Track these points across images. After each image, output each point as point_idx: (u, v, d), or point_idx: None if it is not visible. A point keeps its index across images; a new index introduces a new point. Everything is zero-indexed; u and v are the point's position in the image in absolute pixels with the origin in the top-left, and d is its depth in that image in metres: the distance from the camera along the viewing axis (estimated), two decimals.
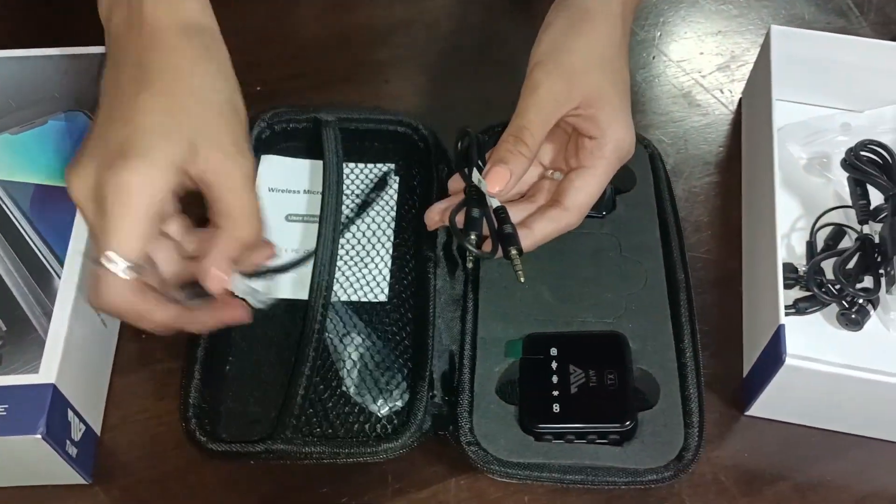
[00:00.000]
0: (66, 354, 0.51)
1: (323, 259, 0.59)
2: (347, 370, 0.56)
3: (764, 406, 0.55)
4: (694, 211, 0.67)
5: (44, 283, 0.53)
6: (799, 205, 0.66)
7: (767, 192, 0.59)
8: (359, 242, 0.63)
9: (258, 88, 0.72)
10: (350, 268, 0.62)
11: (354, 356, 0.57)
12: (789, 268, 0.60)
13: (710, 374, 0.58)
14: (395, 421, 0.55)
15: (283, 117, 0.66)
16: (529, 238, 0.55)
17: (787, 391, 0.53)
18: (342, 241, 0.62)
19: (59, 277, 0.53)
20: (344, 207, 0.64)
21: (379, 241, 0.63)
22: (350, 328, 0.58)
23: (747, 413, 0.57)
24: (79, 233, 0.55)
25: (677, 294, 0.58)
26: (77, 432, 0.52)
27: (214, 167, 0.47)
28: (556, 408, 0.52)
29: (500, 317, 0.58)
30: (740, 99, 0.74)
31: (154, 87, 0.48)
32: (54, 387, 0.49)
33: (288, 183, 0.66)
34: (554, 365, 0.54)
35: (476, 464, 0.52)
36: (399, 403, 0.55)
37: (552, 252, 0.60)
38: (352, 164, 0.67)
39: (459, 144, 0.60)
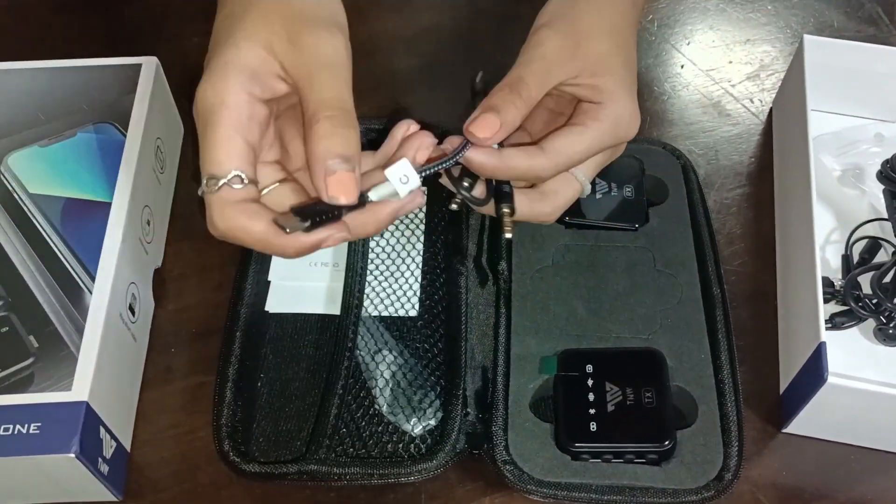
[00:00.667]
0: (98, 371, 0.50)
1: (353, 272, 0.59)
2: (380, 388, 0.56)
3: (802, 423, 0.54)
4: (726, 223, 0.66)
5: (75, 299, 0.53)
6: (833, 217, 0.65)
7: (803, 204, 0.58)
8: (388, 256, 0.62)
9: None
10: (380, 282, 0.61)
11: (387, 374, 0.56)
12: (826, 282, 0.59)
13: (745, 390, 0.57)
14: (429, 440, 0.54)
15: None
16: (496, 158, 0.47)
17: (828, 409, 0.52)
18: (371, 254, 0.62)
19: (91, 293, 0.53)
20: None
21: (409, 254, 0.62)
22: (381, 344, 0.58)
23: (785, 430, 0.56)
24: (109, 247, 0.54)
25: (713, 309, 0.57)
26: (108, 449, 0.51)
27: (301, 48, 0.44)
28: (593, 426, 0.52)
29: (533, 332, 0.57)
30: (770, 109, 0.73)
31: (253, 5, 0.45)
32: (87, 404, 0.49)
33: None
34: (590, 382, 0.54)
35: (511, 483, 0.51)
36: (432, 422, 0.54)
37: (585, 265, 0.60)
38: None
39: (474, 85, 0.54)
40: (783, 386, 0.57)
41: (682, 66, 0.76)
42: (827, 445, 0.55)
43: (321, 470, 0.51)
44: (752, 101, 0.74)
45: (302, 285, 0.61)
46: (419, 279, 0.61)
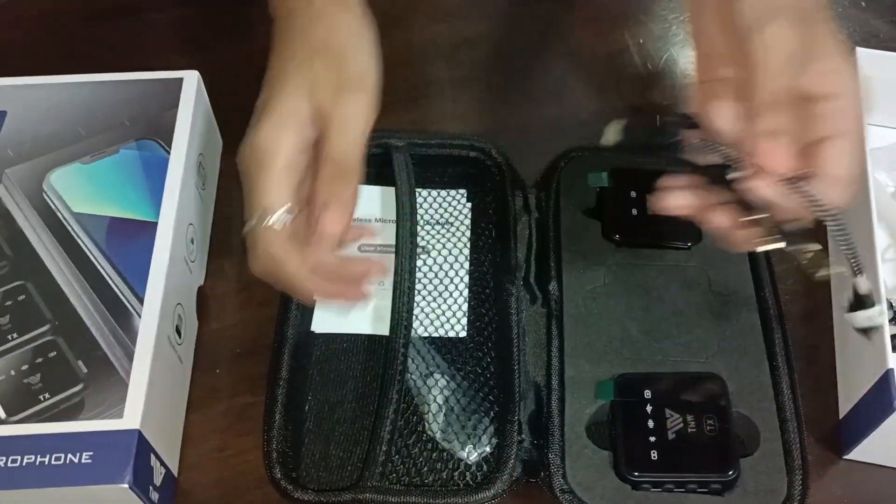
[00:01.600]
0: (148, 397, 0.49)
1: (401, 291, 0.58)
2: (433, 413, 0.55)
3: (865, 450, 0.53)
4: None
5: (123, 322, 0.52)
6: (887, 234, 0.64)
7: (861, 222, 0.57)
8: (435, 276, 0.61)
9: None
10: (428, 302, 0.60)
11: (439, 399, 0.55)
12: (886, 304, 0.58)
13: (803, 414, 0.56)
14: (484, 468, 0.53)
15: None
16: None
17: (894, 437, 0.51)
18: (417, 273, 0.61)
19: (139, 315, 0.52)
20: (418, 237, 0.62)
21: (456, 272, 0.61)
22: (432, 367, 0.57)
23: (846, 456, 0.54)
24: (157, 268, 0.53)
25: (772, 332, 0.56)
26: (158, 476, 0.50)
27: (339, 109, 0.49)
28: (654, 455, 0.51)
29: (586, 354, 0.56)
30: None
31: (305, 51, 0.51)
32: (139, 432, 0.48)
33: (358, 212, 0.63)
34: (649, 408, 0.52)
35: None
36: (487, 449, 0.53)
37: (638, 286, 0.59)
38: (422, 191, 0.65)
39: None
40: (843, 411, 0.55)
41: None
42: (891, 472, 0.54)
43: (376, 498, 0.50)
44: None
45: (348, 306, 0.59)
46: (467, 298, 0.60)
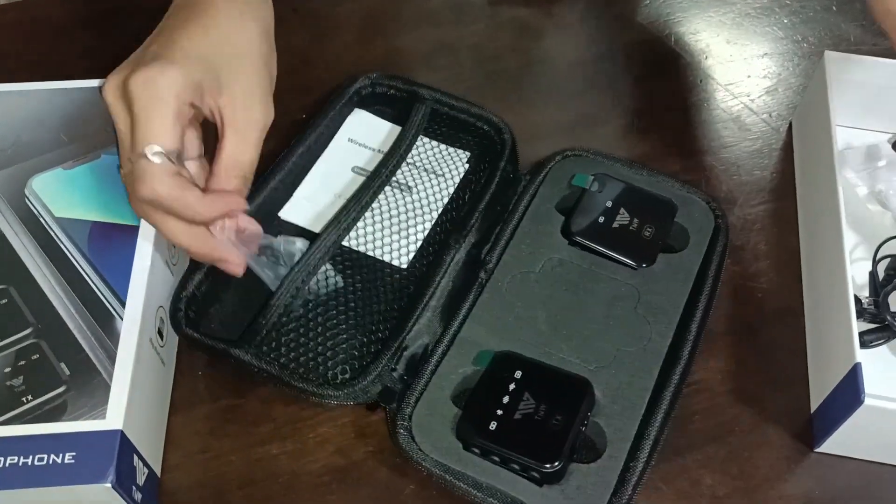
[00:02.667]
0: (131, 398, 0.50)
1: (351, 204, 0.62)
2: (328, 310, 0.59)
3: (836, 443, 0.54)
4: (751, 239, 0.66)
5: (105, 325, 0.52)
6: (856, 234, 0.65)
7: (831, 221, 0.58)
8: (406, 211, 0.64)
9: (304, 116, 0.72)
10: (385, 227, 0.63)
11: (341, 302, 0.59)
12: (854, 299, 0.59)
13: (775, 409, 0.58)
14: (348, 373, 0.56)
15: (386, 82, 0.70)
16: None
17: (863, 430, 0.52)
18: (391, 201, 0.64)
19: (121, 318, 0.52)
20: (406, 174, 0.66)
21: (425, 215, 0.64)
22: (354, 275, 0.61)
23: (817, 449, 0.56)
24: (139, 271, 0.54)
25: (672, 366, 0.56)
26: (141, 477, 0.51)
27: (233, 103, 0.51)
28: (493, 425, 0.52)
29: (488, 324, 0.58)
30: (790, 123, 0.73)
31: (198, 24, 0.52)
32: (122, 433, 0.48)
33: (367, 139, 0.69)
34: (512, 386, 0.54)
35: (398, 444, 0.53)
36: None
37: (569, 283, 0.60)
38: (426, 140, 0.68)
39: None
40: (814, 405, 0.57)
41: (700, 81, 0.76)
42: (860, 464, 0.55)
43: (244, 359, 0.55)
44: (770, 116, 0.74)
45: (318, 211, 0.64)
46: (421, 240, 0.63)
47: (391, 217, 0.64)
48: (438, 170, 0.67)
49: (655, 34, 0.80)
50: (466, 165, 0.67)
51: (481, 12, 0.82)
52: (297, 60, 0.76)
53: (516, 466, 0.52)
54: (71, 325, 0.52)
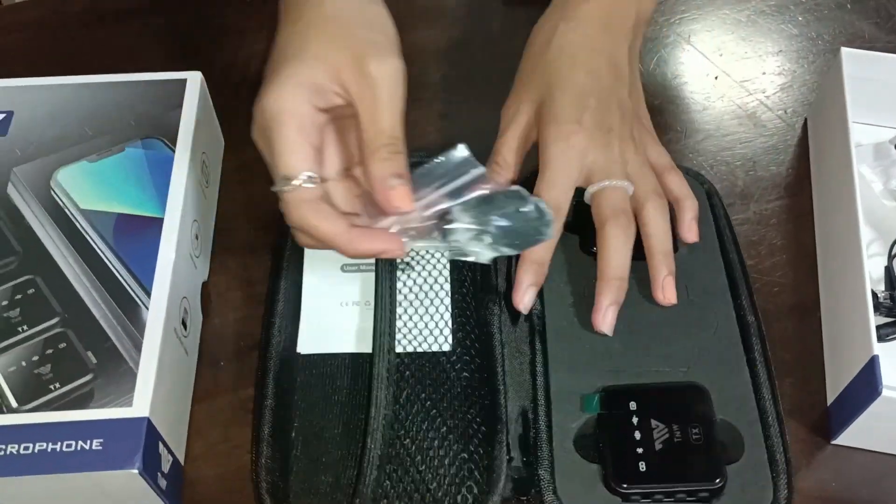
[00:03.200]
0: (157, 386, 0.51)
1: (383, 310, 0.57)
2: (422, 433, 0.54)
3: (852, 435, 0.55)
4: (767, 234, 0.66)
5: (131, 314, 0.53)
6: (872, 229, 0.65)
7: (848, 217, 0.59)
8: (420, 291, 0.60)
9: None
10: (411, 317, 0.59)
11: (427, 419, 0.55)
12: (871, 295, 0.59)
13: (791, 402, 0.58)
14: (475, 490, 0.52)
15: None
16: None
17: (880, 422, 0.52)
18: (399, 295, 0.60)
19: (146, 308, 0.53)
20: None
21: (441, 287, 0.60)
22: (418, 389, 0.56)
23: (834, 441, 0.56)
24: (164, 262, 0.55)
25: (750, 338, 0.56)
26: (166, 464, 0.52)
27: (347, 73, 0.49)
28: (642, 466, 0.51)
29: (570, 368, 0.56)
30: (805, 120, 0.74)
31: (316, 15, 0.51)
32: (148, 420, 0.49)
33: None
34: (635, 420, 0.53)
35: None
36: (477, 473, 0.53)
37: None
38: None
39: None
40: (831, 398, 0.57)
41: (716, 78, 0.77)
42: (877, 457, 0.56)
43: None
44: (785, 112, 0.75)
45: (333, 327, 0.59)
46: (451, 312, 0.59)
47: (414, 305, 0.60)
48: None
49: (670, 31, 0.80)
50: None
51: (495, 12, 0.83)
52: None
53: (682, 496, 0.51)
54: (97, 315, 0.53)
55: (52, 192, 0.58)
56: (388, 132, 0.49)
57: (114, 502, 0.51)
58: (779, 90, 0.76)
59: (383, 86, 0.49)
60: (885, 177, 0.67)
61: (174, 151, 0.60)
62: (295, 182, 0.48)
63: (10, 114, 0.62)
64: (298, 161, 0.48)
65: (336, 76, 0.49)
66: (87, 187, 0.59)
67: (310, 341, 0.59)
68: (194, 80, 0.64)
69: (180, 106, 0.62)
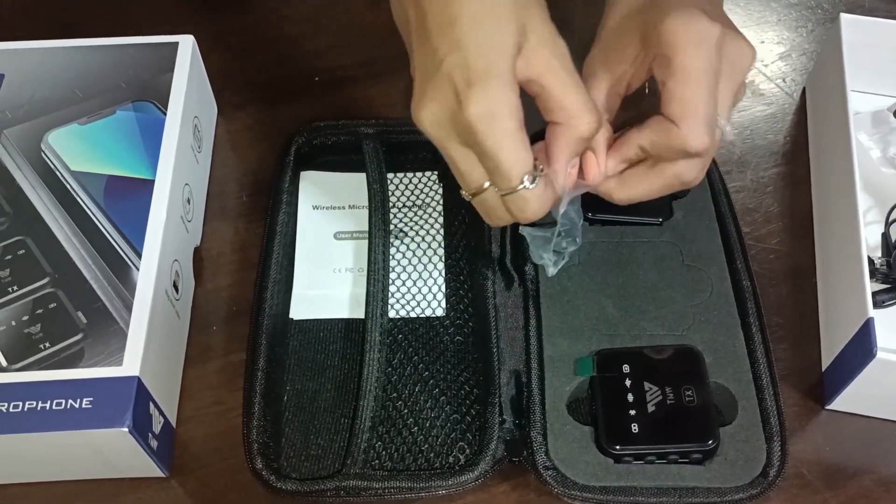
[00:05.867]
0: (147, 346, 0.50)
1: (376, 277, 0.58)
2: (413, 396, 0.55)
3: (847, 400, 0.55)
4: (763, 201, 0.66)
5: (121, 275, 0.53)
6: (870, 196, 0.65)
7: (845, 184, 0.58)
8: (413, 257, 0.61)
9: (316, 79, 0.72)
10: (405, 282, 0.60)
11: (419, 382, 0.55)
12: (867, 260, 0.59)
13: (786, 367, 0.58)
14: (467, 450, 0.53)
15: (323, 132, 0.65)
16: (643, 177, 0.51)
17: (875, 385, 0.52)
18: (392, 261, 0.60)
19: (137, 269, 0.53)
20: (393, 220, 0.62)
21: (434, 252, 0.61)
22: (411, 352, 0.57)
23: (828, 406, 0.56)
24: (154, 223, 0.54)
25: (745, 302, 0.56)
26: (157, 425, 0.52)
27: (541, 61, 0.45)
28: (634, 428, 0.51)
29: (564, 333, 0.56)
30: (804, 88, 0.73)
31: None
32: (138, 379, 0.49)
33: (331, 199, 0.64)
34: (628, 383, 0.53)
35: (554, 489, 0.50)
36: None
37: (612, 263, 0.59)
38: (392, 175, 0.65)
39: None
40: (826, 363, 0.57)
41: None
42: (871, 422, 0.56)
43: (360, 485, 0.50)
44: (784, 81, 0.74)
45: (326, 293, 0.60)
46: (444, 278, 0.60)
47: (408, 270, 0.60)
48: (418, 201, 0.64)
49: None
50: (441, 185, 0.64)
51: None
52: (309, 25, 0.76)
53: (675, 457, 0.51)
54: (87, 276, 0.53)
55: (43, 154, 0.58)
56: (700, 114, 0.47)
57: (105, 463, 0.51)
58: (777, 59, 0.75)
59: (558, 62, 0.46)
60: (883, 144, 0.67)
61: (165, 114, 0.59)
62: (533, 174, 0.45)
63: (1, 77, 0.62)
64: (529, 156, 0.45)
65: (523, 58, 0.46)
66: (77, 149, 0.58)
67: (302, 307, 0.59)
68: (186, 44, 0.63)
69: (172, 69, 0.62)
